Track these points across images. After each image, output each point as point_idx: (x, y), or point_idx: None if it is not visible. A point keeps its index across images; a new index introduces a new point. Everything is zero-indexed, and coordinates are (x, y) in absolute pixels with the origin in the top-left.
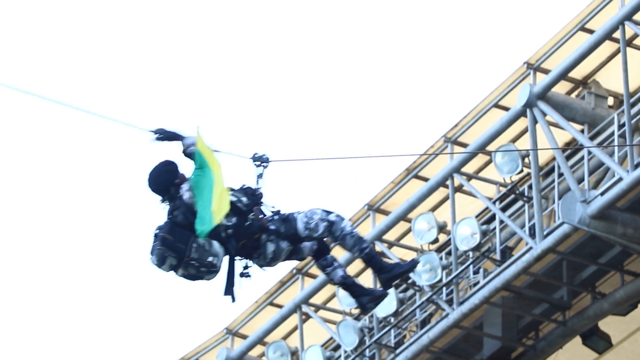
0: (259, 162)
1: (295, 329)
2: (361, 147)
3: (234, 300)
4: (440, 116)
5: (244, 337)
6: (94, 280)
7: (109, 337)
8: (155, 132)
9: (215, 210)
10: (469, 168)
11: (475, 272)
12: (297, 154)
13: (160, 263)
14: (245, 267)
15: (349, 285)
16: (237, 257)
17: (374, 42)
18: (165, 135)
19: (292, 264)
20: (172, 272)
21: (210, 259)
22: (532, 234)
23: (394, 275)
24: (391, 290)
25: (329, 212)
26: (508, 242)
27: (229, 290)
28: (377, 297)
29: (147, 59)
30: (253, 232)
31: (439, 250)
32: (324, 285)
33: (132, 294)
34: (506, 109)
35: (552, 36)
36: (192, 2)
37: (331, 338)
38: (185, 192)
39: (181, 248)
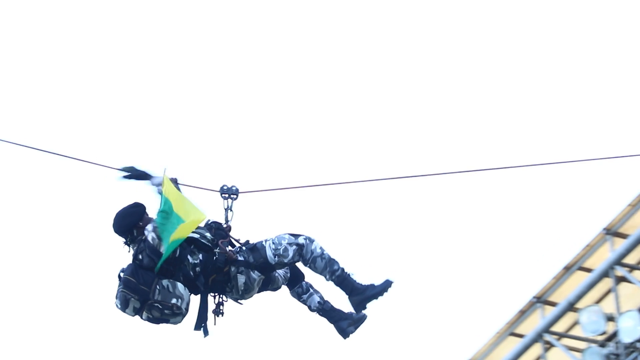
0: (227, 195)
1: (538, 359)
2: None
3: (206, 334)
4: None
5: None
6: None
7: None
8: (124, 170)
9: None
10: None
11: None
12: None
13: (124, 306)
14: (218, 305)
15: (327, 310)
16: (210, 293)
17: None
18: (134, 174)
19: (529, 293)
20: (136, 316)
21: (174, 300)
22: None
23: (367, 297)
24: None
25: (297, 236)
26: None
27: (199, 325)
28: (357, 321)
29: (110, 93)
30: (221, 266)
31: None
32: (564, 312)
33: None
34: None
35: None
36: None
37: None
38: (149, 234)
39: (144, 290)
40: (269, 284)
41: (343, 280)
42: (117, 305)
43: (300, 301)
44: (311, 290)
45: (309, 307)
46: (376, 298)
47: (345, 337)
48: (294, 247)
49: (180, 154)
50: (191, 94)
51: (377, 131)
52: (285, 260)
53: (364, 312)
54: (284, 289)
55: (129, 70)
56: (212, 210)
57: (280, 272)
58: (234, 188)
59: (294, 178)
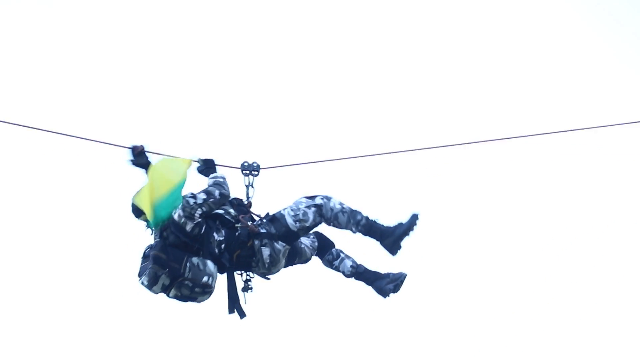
0: (247, 171)
1: None
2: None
3: (242, 316)
4: None
5: None
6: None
7: None
8: (204, 161)
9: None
10: None
11: None
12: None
13: (152, 283)
14: (247, 281)
15: (362, 273)
16: (236, 271)
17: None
18: (210, 166)
19: None
20: (162, 294)
21: (205, 279)
22: None
23: (398, 235)
24: None
25: (313, 197)
26: None
27: (232, 307)
28: (395, 279)
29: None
30: (245, 241)
31: None
32: None
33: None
34: None
35: None
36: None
37: None
38: (175, 212)
39: (175, 267)
40: (296, 257)
41: (370, 228)
42: (142, 283)
43: (333, 268)
44: (342, 255)
45: (343, 273)
46: (407, 234)
47: (384, 296)
48: (313, 209)
49: (200, 131)
50: (210, 71)
51: (398, 103)
52: (307, 224)
53: (402, 271)
54: (315, 260)
55: (144, 46)
56: (234, 187)
57: (307, 242)
58: (255, 164)
59: (315, 153)
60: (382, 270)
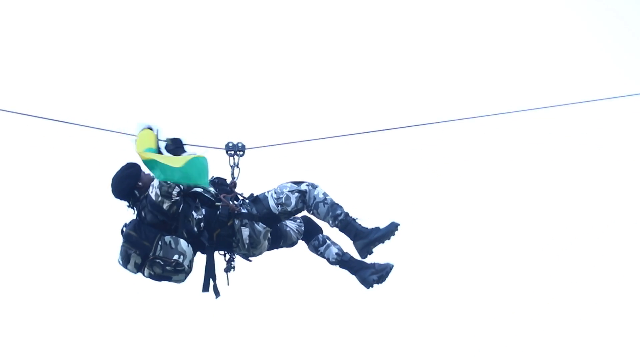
0: (232, 152)
1: None
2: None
3: (217, 295)
4: None
5: None
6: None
7: None
8: (171, 141)
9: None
10: None
11: None
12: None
13: (125, 262)
14: (229, 261)
15: (347, 261)
16: (218, 251)
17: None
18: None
19: None
20: (139, 274)
21: (175, 256)
22: None
23: (372, 240)
24: None
25: (299, 183)
26: None
27: (207, 285)
28: (380, 270)
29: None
30: (225, 220)
31: None
32: None
33: None
34: None
35: None
36: None
37: None
38: (153, 190)
39: (145, 245)
40: (281, 240)
41: (346, 225)
42: (119, 262)
43: (318, 254)
44: (328, 242)
45: (328, 260)
46: (382, 242)
47: (367, 287)
48: (296, 194)
49: (183, 112)
50: (193, 50)
51: (383, 82)
52: (289, 209)
53: (388, 262)
54: (302, 245)
55: (129, 26)
56: (218, 168)
57: (293, 226)
58: (240, 144)
59: (300, 132)
60: (370, 259)
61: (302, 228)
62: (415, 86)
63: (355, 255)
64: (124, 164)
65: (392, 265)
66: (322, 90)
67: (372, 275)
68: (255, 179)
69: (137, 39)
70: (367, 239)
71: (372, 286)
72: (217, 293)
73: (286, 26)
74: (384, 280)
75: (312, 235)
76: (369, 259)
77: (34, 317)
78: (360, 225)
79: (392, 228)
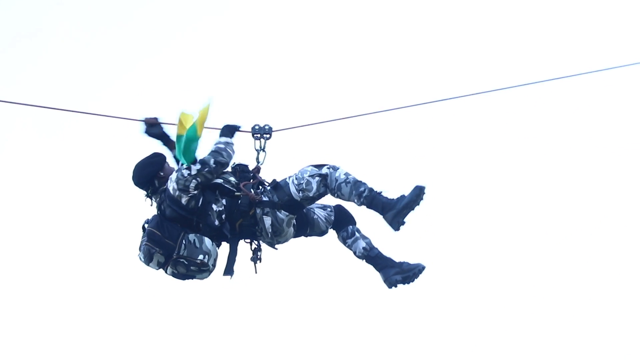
0: (259, 135)
1: None
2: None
3: (231, 275)
4: None
5: None
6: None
7: None
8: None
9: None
10: None
11: None
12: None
13: (148, 260)
14: (255, 251)
15: (373, 257)
16: (242, 240)
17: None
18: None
19: None
20: (160, 270)
21: (200, 257)
22: None
23: (400, 209)
24: None
25: (320, 166)
26: None
27: (229, 270)
28: (408, 270)
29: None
30: (246, 210)
31: None
32: None
33: None
34: None
35: None
36: None
37: None
38: (170, 183)
39: (169, 244)
40: (308, 228)
41: (372, 200)
42: (140, 258)
43: (346, 246)
44: (357, 234)
45: (354, 253)
46: (412, 208)
47: (389, 287)
48: (317, 178)
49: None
50: (219, 35)
51: (408, 59)
52: (310, 194)
53: (416, 264)
54: (332, 234)
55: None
56: (244, 152)
57: (322, 214)
58: (266, 127)
59: (323, 113)
60: (401, 258)
61: (332, 217)
62: (440, 63)
63: (391, 255)
64: (149, 153)
65: (423, 267)
66: (344, 70)
67: (395, 275)
68: (280, 163)
69: (161, 20)
70: (395, 209)
71: (395, 286)
72: (230, 272)
73: (310, 7)
74: (410, 282)
75: (342, 226)
76: (400, 258)
77: (41, 311)
78: (386, 197)
79: (417, 192)
